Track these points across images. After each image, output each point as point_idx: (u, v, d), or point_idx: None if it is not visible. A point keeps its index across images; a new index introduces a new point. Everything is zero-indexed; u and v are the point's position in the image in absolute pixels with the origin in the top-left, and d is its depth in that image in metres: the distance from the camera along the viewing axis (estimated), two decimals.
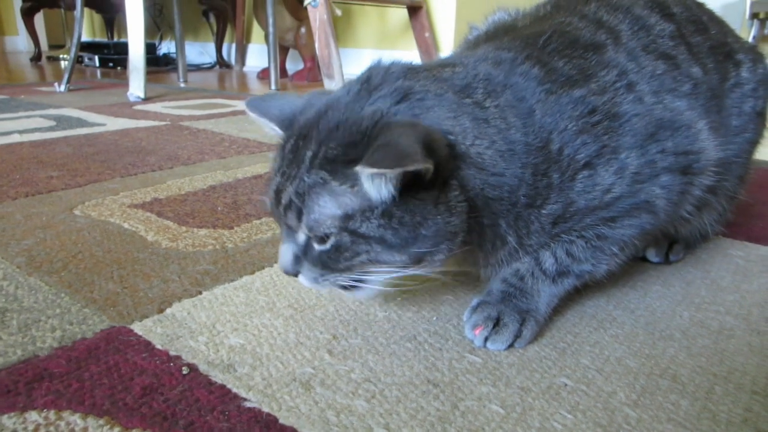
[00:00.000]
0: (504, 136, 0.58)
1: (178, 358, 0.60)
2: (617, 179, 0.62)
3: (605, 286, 0.76)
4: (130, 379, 0.56)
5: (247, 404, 0.53)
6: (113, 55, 4.04)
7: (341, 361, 0.61)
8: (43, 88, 2.76)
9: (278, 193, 0.58)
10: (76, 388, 0.55)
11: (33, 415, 0.51)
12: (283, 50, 3.58)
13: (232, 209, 1.06)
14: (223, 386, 0.56)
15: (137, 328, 0.66)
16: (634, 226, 0.66)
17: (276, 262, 0.83)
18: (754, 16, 3.07)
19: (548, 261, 0.67)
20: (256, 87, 3.10)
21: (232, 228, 0.96)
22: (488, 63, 0.63)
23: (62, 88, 2.66)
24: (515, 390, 0.57)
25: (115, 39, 4.86)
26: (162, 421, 0.51)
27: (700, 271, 0.85)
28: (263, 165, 1.37)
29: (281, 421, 0.51)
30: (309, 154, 0.56)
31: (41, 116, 1.99)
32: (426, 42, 3.10)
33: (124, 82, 2.52)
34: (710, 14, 0.84)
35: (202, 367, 0.59)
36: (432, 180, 0.54)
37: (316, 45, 2.60)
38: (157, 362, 0.59)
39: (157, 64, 4.03)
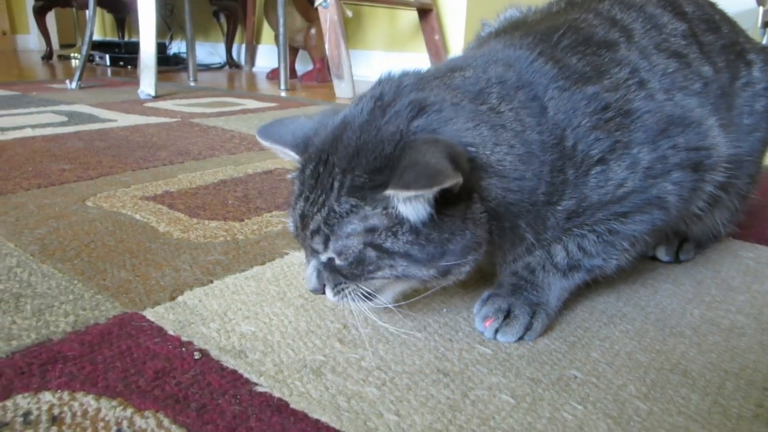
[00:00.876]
0: (521, 138, 0.58)
1: (190, 343, 0.61)
2: (630, 174, 0.62)
3: (615, 284, 0.76)
4: (143, 363, 0.57)
5: (259, 389, 0.54)
6: (124, 54, 4.07)
7: (352, 349, 0.61)
8: (55, 85, 2.78)
9: (304, 218, 0.58)
10: (89, 371, 0.55)
11: (47, 396, 0.52)
12: (293, 51, 3.60)
13: (242, 203, 1.06)
14: (234, 371, 0.56)
15: (149, 314, 0.66)
16: (645, 221, 0.66)
17: (287, 254, 0.84)
18: (766, 24, 3.06)
19: (560, 255, 0.67)
20: (265, 87, 3.11)
21: (242, 220, 0.97)
22: (499, 65, 0.63)
23: (74, 85, 2.67)
24: (525, 381, 0.57)
25: (126, 38, 4.89)
26: (174, 404, 0.51)
27: (711, 271, 0.84)
28: (273, 161, 1.38)
29: (292, 405, 0.52)
30: (336, 183, 0.55)
31: (53, 112, 2.00)
32: (436, 44, 3.11)
33: (134, 81, 2.54)
34: (722, 14, 0.84)
35: (214, 353, 0.59)
36: (457, 194, 0.54)
37: (326, 45, 2.61)
38: (169, 347, 0.60)
39: (167, 63, 4.05)
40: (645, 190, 0.64)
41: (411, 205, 0.52)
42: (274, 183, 1.20)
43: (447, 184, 0.49)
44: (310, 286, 0.60)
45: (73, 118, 1.89)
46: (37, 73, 3.60)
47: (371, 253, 0.55)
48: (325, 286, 0.60)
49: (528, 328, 0.64)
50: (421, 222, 0.53)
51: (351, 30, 3.53)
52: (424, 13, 3.09)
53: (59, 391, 0.52)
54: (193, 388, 0.53)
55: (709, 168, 0.68)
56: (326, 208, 0.56)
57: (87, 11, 2.73)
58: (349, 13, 2.64)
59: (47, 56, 4.40)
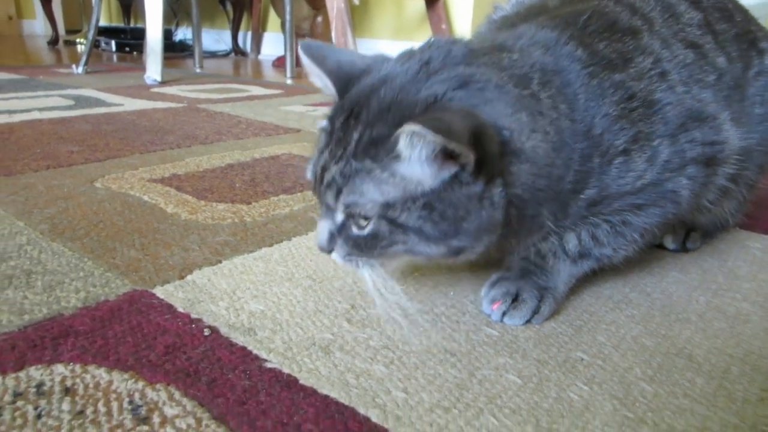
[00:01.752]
0: (556, 126, 0.57)
1: (200, 320, 0.61)
2: (649, 166, 0.62)
3: (622, 270, 0.76)
4: (153, 338, 0.57)
5: (268, 365, 0.54)
6: (129, 40, 4.06)
7: (360, 329, 0.62)
8: (61, 70, 2.78)
9: (323, 170, 0.57)
10: (100, 345, 0.56)
11: (59, 368, 0.52)
12: (299, 39, 3.59)
13: (249, 186, 1.07)
14: (244, 348, 0.57)
15: (159, 292, 0.67)
16: (657, 214, 0.66)
17: (294, 236, 0.84)
18: None
19: (572, 242, 0.67)
20: (270, 74, 3.11)
21: (250, 203, 0.97)
22: (539, 48, 0.62)
23: (80, 69, 2.68)
24: (532, 362, 0.58)
25: (132, 25, 4.88)
26: (185, 377, 0.52)
27: (717, 260, 0.85)
28: (280, 147, 1.38)
29: (302, 381, 0.52)
30: (356, 136, 0.54)
31: (60, 95, 2.00)
32: (443, 34, 3.10)
33: (140, 66, 2.54)
34: (734, 2, 0.84)
35: (223, 330, 0.60)
36: (476, 174, 0.53)
37: (333, 33, 2.60)
38: (179, 324, 0.60)
39: (173, 50, 4.04)
40: (661, 184, 0.64)
41: (414, 149, 0.50)
42: (281, 168, 1.20)
43: (451, 145, 0.48)
44: (320, 243, 0.59)
45: (80, 101, 1.89)
46: (44, 57, 3.60)
47: (384, 228, 0.54)
48: (332, 250, 0.59)
49: (535, 311, 0.65)
50: (423, 188, 0.52)
51: (358, 18, 3.52)
52: (431, 2, 3.08)
53: (71, 363, 0.53)
54: (204, 363, 0.54)
55: (722, 162, 0.68)
56: (343, 160, 0.54)
57: None
58: (357, 1, 2.63)
59: (53, 41, 4.40)
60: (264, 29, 4.24)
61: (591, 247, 0.67)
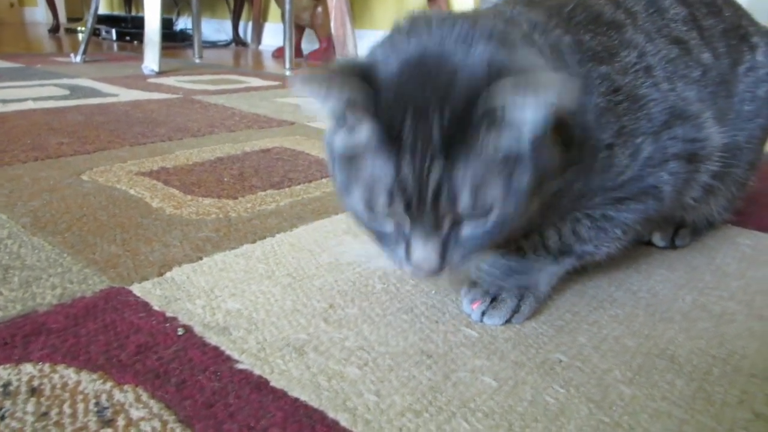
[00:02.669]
0: None
1: (175, 319, 0.60)
2: (631, 162, 0.62)
3: (607, 268, 0.75)
4: (126, 337, 0.57)
5: (240, 366, 0.54)
6: (130, 29, 4.05)
7: (336, 329, 0.61)
8: (60, 59, 2.77)
9: (421, 184, 0.47)
10: (72, 344, 0.55)
11: (28, 367, 0.52)
12: (299, 30, 3.56)
13: (238, 180, 1.06)
14: (216, 348, 0.56)
15: (136, 289, 0.66)
16: (639, 210, 0.65)
17: (279, 233, 0.83)
18: None
19: (553, 238, 0.66)
20: (270, 65, 3.09)
21: (236, 198, 0.96)
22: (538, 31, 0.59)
23: (78, 58, 2.67)
24: (509, 364, 0.57)
25: (133, 13, 4.86)
26: (154, 378, 0.51)
27: (706, 257, 0.83)
28: (272, 139, 1.37)
29: (272, 383, 0.51)
30: (436, 131, 0.47)
31: (55, 85, 2.00)
32: None
33: (139, 56, 2.52)
34: None
35: (198, 329, 0.59)
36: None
37: (332, 24, 2.58)
38: (154, 322, 0.60)
39: (173, 39, 4.03)
40: (642, 179, 0.63)
41: (517, 109, 0.46)
42: (271, 161, 1.19)
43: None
44: (430, 268, 0.51)
45: (75, 91, 1.89)
46: (44, 45, 3.59)
47: (509, 207, 0.49)
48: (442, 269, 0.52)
49: (515, 311, 0.64)
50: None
51: (358, 9, 3.49)
52: None
53: (40, 363, 0.52)
54: (174, 364, 0.53)
55: (704, 158, 0.67)
56: (439, 160, 0.47)
57: None
58: None
59: (54, 29, 4.39)
60: (265, 19, 4.21)
61: (572, 243, 0.66)
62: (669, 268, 0.79)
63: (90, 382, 0.50)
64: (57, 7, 4.49)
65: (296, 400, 0.50)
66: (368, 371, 0.54)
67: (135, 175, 1.06)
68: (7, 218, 0.83)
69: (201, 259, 0.74)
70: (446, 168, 0.47)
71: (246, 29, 4.28)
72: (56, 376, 0.51)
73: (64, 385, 0.50)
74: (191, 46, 3.37)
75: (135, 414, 0.47)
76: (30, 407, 0.47)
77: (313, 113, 0.52)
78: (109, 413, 0.47)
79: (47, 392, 0.49)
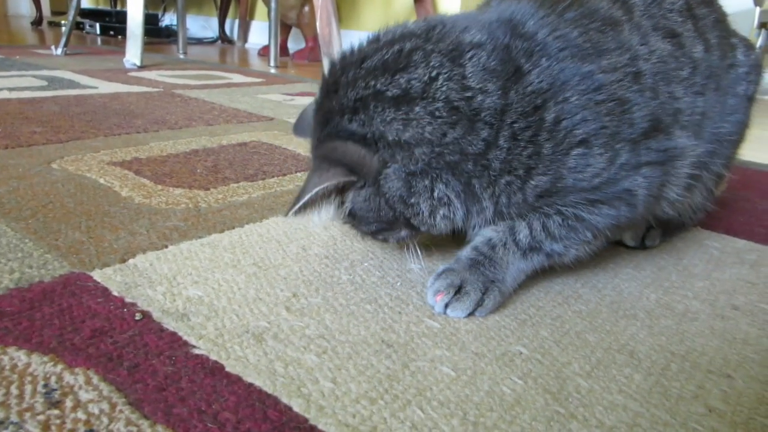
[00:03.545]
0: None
1: (134, 305, 0.60)
2: (607, 165, 0.62)
3: (575, 266, 0.75)
4: (81, 322, 0.56)
5: (195, 351, 0.53)
6: (114, 24, 4.01)
7: (298, 317, 0.60)
8: (41, 51, 2.74)
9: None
10: (25, 327, 0.54)
11: None
12: (286, 28, 3.56)
13: (211, 172, 1.05)
14: (174, 333, 0.55)
15: (97, 275, 0.65)
16: (611, 216, 0.65)
17: (248, 223, 0.83)
18: (762, 25, 3.04)
19: (523, 232, 0.66)
20: (256, 63, 3.08)
21: (208, 189, 0.96)
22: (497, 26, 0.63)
23: (59, 51, 2.64)
24: (469, 354, 0.56)
25: (118, 8, 4.82)
26: (107, 362, 0.50)
27: (674, 258, 0.84)
28: (250, 134, 1.36)
29: (227, 369, 0.51)
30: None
31: (33, 76, 1.97)
32: None
33: (122, 50, 2.50)
34: None
35: (156, 315, 0.58)
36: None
37: (317, 23, 2.58)
38: (111, 307, 0.59)
39: (158, 35, 4.00)
40: (617, 183, 0.64)
41: None
42: (247, 155, 1.18)
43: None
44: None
45: (54, 83, 1.86)
46: (26, 38, 3.55)
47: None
48: None
49: (479, 304, 0.64)
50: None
51: (345, 10, 3.49)
52: None
53: None
54: (129, 348, 0.52)
55: (678, 165, 0.68)
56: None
57: None
58: None
59: (36, 22, 4.34)
60: (252, 17, 4.20)
61: (542, 239, 0.66)
62: (636, 267, 0.80)
63: (40, 365, 0.49)
64: (40, 0, 4.44)
65: (250, 385, 0.49)
66: (326, 359, 0.54)
67: (107, 164, 1.05)
68: None
69: (166, 247, 0.73)
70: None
71: (233, 27, 4.26)
72: (6, 358, 0.50)
73: (14, 366, 0.49)
74: (176, 42, 3.35)
75: (84, 396, 0.46)
76: None
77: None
78: (57, 395, 0.46)
79: None
